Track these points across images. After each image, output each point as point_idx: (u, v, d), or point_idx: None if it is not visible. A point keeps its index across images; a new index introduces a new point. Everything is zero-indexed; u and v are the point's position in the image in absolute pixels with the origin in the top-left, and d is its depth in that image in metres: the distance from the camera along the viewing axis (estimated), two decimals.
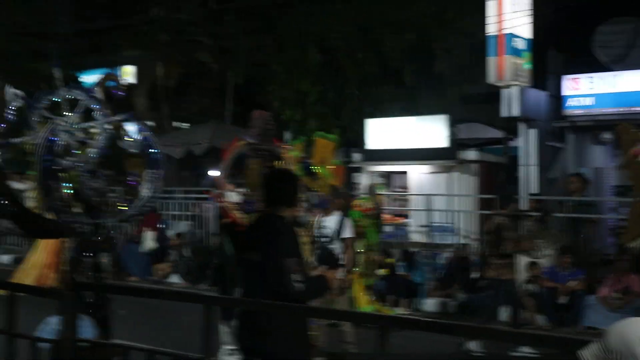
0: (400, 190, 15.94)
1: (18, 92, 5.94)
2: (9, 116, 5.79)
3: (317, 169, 8.46)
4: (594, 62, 19.26)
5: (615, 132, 7.42)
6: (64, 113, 6.03)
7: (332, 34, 16.89)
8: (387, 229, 13.90)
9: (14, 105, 5.81)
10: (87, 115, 6.21)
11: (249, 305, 4.38)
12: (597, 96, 16.83)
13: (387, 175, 16.09)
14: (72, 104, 6.07)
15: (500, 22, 15.00)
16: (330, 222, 8.76)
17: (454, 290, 11.77)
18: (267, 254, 4.40)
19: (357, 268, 9.62)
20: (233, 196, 6.79)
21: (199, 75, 24.27)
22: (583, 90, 17.12)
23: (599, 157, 18.26)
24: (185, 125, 26.68)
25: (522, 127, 16.07)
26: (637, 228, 7.32)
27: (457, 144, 15.19)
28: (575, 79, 17.60)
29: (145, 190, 6.20)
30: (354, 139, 16.45)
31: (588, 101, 16.97)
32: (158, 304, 10.01)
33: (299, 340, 4.42)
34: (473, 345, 8.69)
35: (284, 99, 17.66)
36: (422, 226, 13.70)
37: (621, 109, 16.48)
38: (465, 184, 14.53)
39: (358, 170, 16.56)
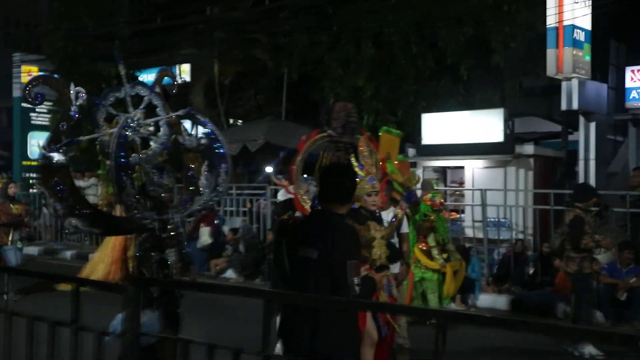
0: (456, 185, 15.87)
1: (82, 90, 5.87)
2: (74, 114, 5.70)
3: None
4: None
5: None
6: (129, 110, 6.02)
7: (387, 28, 16.90)
8: None
9: (78, 103, 5.73)
10: (150, 111, 6.25)
11: (312, 302, 4.22)
12: None
13: (443, 170, 16.04)
14: (136, 101, 6.09)
15: (560, 13, 14.84)
16: (387, 216, 8.76)
17: (509, 286, 11.72)
18: (327, 253, 4.34)
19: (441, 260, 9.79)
20: (304, 188, 6.74)
21: (255, 73, 24.47)
22: None
23: None
24: (240, 122, 26.95)
25: (581, 120, 15.89)
26: None
27: (514, 138, 15.05)
28: (638, 70, 17.33)
29: (210, 185, 6.21)
30: (409, 134, 16.42)
31: None
32: (215, 299, 10.16)
33: (349, 338, 4.41)
34: (589, 350, 8.41)
35: (338, 95, 17.70)
36: (477, 221, 13.62)
37: None
38: (521, 179, 14.39)
39: (413, 165, 16.54)
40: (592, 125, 15.82)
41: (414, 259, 9.77)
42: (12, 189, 12.61)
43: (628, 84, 17.08)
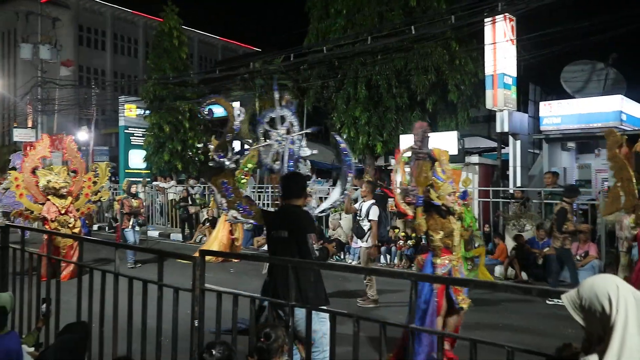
0: None
1: (242, 109, 5.66)
2: (237, 128, 5.50)
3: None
4: (562, 92, 18.99)
5: (605, 134, 7.21)
6: (277, 127, 5.76)
7: (375, 75, 16.90)
8: None
9: (240, 119, 5.53)
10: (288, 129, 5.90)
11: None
12: (564, 117, 16.55)
13: None
14: (282, 120, 5.81)
15: (494, 65, 14.84)
16: (364, 206, 8.74)
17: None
18: (293, 231, 4.44)
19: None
20: (397, 190, 6.32)
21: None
22: (554, 112, 16.83)
23: (566, 160, 17.99)
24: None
25: (510, 139, 15.91)
26: (612, 206, 7.18)
27: (465, 151, 15.05)
28: (548, 104, 17.34)
29: (340, 187, 5.85)
30: (391, 150, 16.44)
31: (558, 120, 16.68)
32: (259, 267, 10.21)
33: (318, 288, 4.42)
34: None
35: (342, 122, 17.75)
36: None
37: (582, 125, 16.21)
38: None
39: (395, 171, 16.50)
40: (518, 143, 15.83)
41: None
42: (133, 188, 12.69)
43: (542, 113, 17.07)
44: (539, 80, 21.45)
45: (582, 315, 2.06)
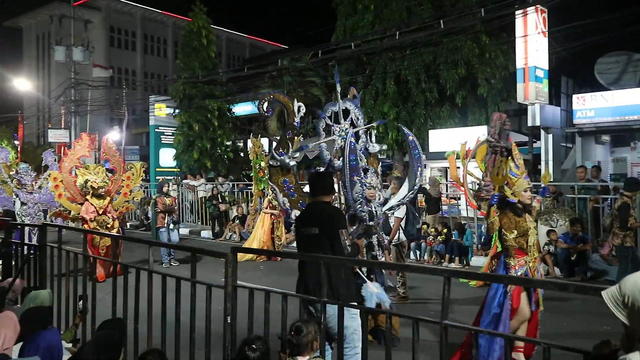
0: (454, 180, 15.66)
1: (302, 105, 5.47)
2: (297, 124, 5.37)
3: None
4: (596, 84, 18.58)
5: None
6: (340, 121, 5.59)
7: (404, 70, 16.81)
8: (445, 207, 13.75)
9: (300, 115, 5.38)
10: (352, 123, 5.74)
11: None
12: (598, 109, 16.20)
13: (445, 170, 15.89)
14: (345, 114, 5.63)
15: (525, 58, 14.61)
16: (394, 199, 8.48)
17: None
18: (324, 228, 4.40)
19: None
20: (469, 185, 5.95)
21: (312, 104, 24.54)
22: (588, 105, 16.49)
23: (600, 154, 17.60)
24: (302, 139, 27.02)
25: (542, 133, 15.64)
26: None
27: None
28: (581, 97, 16.99)
29: (410, 183, 5.60)
30: (421, 145, 16.32)
31: (591, 113, 16.35)
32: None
33: (349, 283, 4.41)
34: None
35: (371, 119, 17.70)
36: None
37: (617, 118, 15.85)
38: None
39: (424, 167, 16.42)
40: (550, 137, 15.57)
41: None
42: (165, 187, 12.58)
43: (575, 107, 16.76)
44: (571, 72, 21.05)
45: (624, 312, 2.02)
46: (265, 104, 5.41)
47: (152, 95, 28.64)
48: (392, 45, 16.71)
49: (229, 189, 18.72)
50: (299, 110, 5.39)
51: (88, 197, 10.16)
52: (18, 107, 38.14)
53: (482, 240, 11.86)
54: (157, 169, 26.27)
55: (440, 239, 11.80)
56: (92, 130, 29.75)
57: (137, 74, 45.01)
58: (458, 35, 15.72)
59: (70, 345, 4.66)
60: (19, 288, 5.31)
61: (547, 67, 14.91)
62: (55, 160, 12.01)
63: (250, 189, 19.04)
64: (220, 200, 17.06)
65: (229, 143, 24.58)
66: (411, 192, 5.57)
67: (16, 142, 35.11)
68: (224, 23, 46.07)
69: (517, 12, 14.32)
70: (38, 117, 41.40)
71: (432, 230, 12.19)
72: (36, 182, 11.67)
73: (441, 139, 16.09)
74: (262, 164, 12.77)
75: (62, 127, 29.32)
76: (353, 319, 4.13)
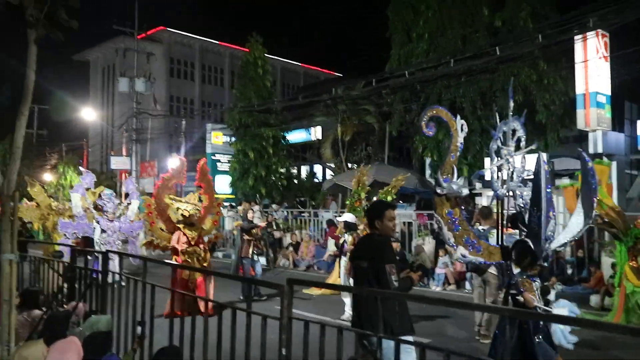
0: (512, 208, 15.21)
1: (464, 122, 5.12)
2: (461, 146, 5.01)
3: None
4: None
5: None
6: (508, 142, 5.18)
7: (459, 97, 16.66)
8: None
9: (463, 135, 5.03)
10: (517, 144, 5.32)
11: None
12: None
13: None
14: (512, 134, 5.23)
15: (586, 83, 14.22)
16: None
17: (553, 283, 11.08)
18: (372, 262, 4.32)
19: None
20: None
21: (366, 132, 24.59)
22: None
23: None
24: (356, 166, 27.09)
25: (605, 160, 15.07)
26: None
27: (554, 174, 14.43)
28: None
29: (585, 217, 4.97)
30: (476, 172, 16.04)
31: None
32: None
33: (404, 318, 4.30)
34: None
35: (425, 146, 17.58)
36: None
37: None
38: (561, 204, 13.71)
39: (479, 195, 16.10)
40: (614, 164, 14.97)
41: (624, 275, 8.35)
42: (250, 214, 11.76)
43: (639, 132, 16.11)
44: (635, 97, 20.32)
45: None
46: (426, 119, 5.09)
47: (209, 124, 29.39)
48: (447, 73, 16.62)
49: (283, 216, 18.85)
50: (462, 129, 5.07)
51: (180, 226, 9.10)
52: (84, 136, 39.92)
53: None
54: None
55: None
56: (152, 158, 30.70)
57: (195, 102, 46.30)
58: (515, 61, 15.49)
59: None
60: (81, 311, 5.49)
61: (609, 93, 14.44)
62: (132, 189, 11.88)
63: (304, 216, 19.17)
64: (274, 228, 17.20)
65: (283, 170, 24.85)
66: (586, 225, 5.00)
67: (81, 169, 36.51)
68: (279, 51, 47.06)
69: (576, 37, 13.99)
70: (102, 145, 43.11)
71: None
72: (117, 210, 11.53)
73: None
74: (363, 194, 11.38)
75: (124, 154, 30.40)
76: (408, 353, 4.04)
